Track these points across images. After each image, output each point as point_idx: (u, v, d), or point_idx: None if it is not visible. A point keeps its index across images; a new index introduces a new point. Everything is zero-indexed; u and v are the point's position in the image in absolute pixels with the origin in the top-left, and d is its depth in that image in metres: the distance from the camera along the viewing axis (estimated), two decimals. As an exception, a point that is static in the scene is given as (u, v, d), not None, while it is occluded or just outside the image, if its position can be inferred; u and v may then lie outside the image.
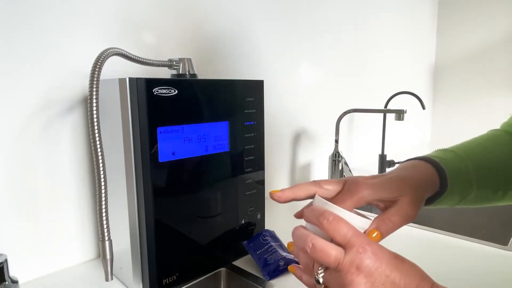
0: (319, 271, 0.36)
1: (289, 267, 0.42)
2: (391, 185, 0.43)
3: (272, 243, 0.67)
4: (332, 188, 0.44)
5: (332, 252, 0.35)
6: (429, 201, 0.48)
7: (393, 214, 0.43)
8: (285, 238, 0.80)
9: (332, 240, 0.36)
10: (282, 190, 0.45)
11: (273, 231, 0.71)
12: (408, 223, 0.45)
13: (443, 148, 0.52)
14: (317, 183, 0.45)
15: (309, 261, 0.38)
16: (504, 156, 0.52)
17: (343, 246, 0.36)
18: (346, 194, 0.42)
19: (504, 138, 0.54)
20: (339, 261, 0.35)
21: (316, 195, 0.42)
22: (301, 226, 0.39)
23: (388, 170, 1.38)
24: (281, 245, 0.67)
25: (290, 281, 0.62)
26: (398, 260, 0.37)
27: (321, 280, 0.36)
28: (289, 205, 1.10)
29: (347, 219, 0.37)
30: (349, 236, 0.36)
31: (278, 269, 0.63)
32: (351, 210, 0.41)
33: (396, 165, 1.40)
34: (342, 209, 0.38)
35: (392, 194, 0.43)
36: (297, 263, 0.41)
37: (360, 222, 0.39)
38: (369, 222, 0.40)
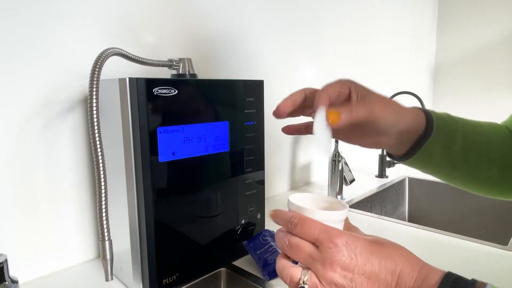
0: (303, 283, 0.36)
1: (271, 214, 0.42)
2: (366, 90, 0.44)
3: (272, 243, 0.67)
4: (334, 92, 0.43)
5: (305, 248, 0.36)
6: (412, 150, 0.48)
7: (359, 105, 0.42)
8: (285, 238, 0.80)
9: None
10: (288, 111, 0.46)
11: (273, 231, 0.71)
12: (369, 119, 0.43)
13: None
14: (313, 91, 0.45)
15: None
16: (493, 135, 0.51)
17: (315, 244, 0.36)
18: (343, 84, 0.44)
19: (502, 127, 0.54)
20: (313, 257, 0.35)
21: (289, 199, 0.41)
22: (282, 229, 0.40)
23: (388, 170, 1.39)
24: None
25: (290, 281, 0.62)
26: (375, 245, 0.36)
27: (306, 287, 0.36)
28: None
29: (316, 217, 0.37)
30: (316, 234, 0.36)
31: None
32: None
33: (396, 165, 1.40)
34: (310, 209, 0.38)
35: (362, 93, 0.44)
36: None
37: (330, 215, 0.38)
38: (339, 213, 0.39)
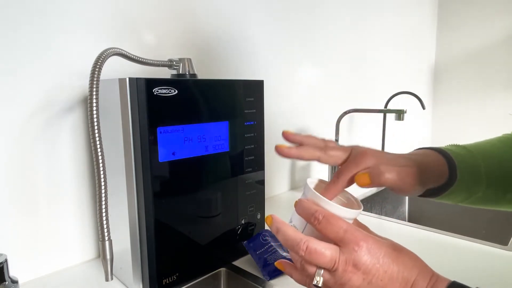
0: (318, 278, 0.35)
1: (277, 263, 0.41)
2: (397, 160, 0.42)
3: (272, 243, 0.67)
4: (337, 155, 0.43)
5: (327, 252, 0.34)
6: (436, 192, 0.47)
7: (388, 170, 0.40)
8: (285, 238, 0.80)
9: (324, 238, 0.35)
10: (289, 148, 0.45)
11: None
12: (398, 191, 0.43)
13: (455, 144, 0.51)
14: (323, 148, 0.44)
15: (301, 260, 0.36)
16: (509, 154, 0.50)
17: (337, 244, 0.35)
18: (351, 163, 0.41)
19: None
20: (335, 260, 0.34)
21: (307, 184, 0.40)
22: (287, 225, 0.38)
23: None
24: (281, 245, 0.67)
25: (290, 281, 0.62)
26: (396, 252, 0.36)
27: (321, 285, 0.35)
28: (289, 205, 1.10)
29: (337, 213, 0.37)
30: (341, 233, 0.35)
31: (278, 269, 0.63)
32: (353, 182, 0.40)
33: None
34: (331, 202, 0.37)
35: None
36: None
37: (350, 213, 0.38)
38: (355, 212, 0.39)
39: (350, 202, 0.43)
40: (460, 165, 0.46)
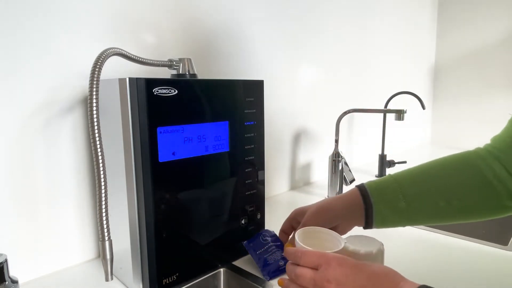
0: None
1: (279, 282, 0.50)
2: (319, 216, 0.59)
3: (272, 243, 0.67)
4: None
5: (307, 274, 0.45)
6: (368, 220, 0.58)
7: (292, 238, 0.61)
8: (285, 238, 0.80)
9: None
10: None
11: (273, 231, 0.71)
12: (317, 226, 0.57)
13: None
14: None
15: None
16: (436, 170, 0.58)
17: (316, 268, 0.45)
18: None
19: (463, 161, 0.58)
20: (313, 279, 0.44)
21: (296, 239, 0.53)
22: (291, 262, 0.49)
23: (388, 170, 1.39)
24: (281, 245, 0.67)
25: (290, 281, 0.62)
26: (363, 265, 0.43)
27: None
28: (289, 205, 1.10)
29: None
30: (315, 260, 0.45)
31: (278, 269, 0.63)
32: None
33: (396, 165, 1.40)
34: (308, 248, 0.50)
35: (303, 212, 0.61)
36: None
37: (363, 249, 0.52)
38: (336, 252, 0.50)
39: (333, 241, 0.55)
40: (373, 193, 0.57)
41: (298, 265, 0.47)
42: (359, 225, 0.60)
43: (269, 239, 0.68)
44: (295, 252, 0.48)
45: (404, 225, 0.60)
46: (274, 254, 0.65)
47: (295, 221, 0.64)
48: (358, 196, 0.58)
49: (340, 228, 0.60)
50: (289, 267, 0.48)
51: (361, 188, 0.59)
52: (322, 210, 0.59)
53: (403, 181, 0.58)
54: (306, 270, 0.45)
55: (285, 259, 0.64)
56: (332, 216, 0.59)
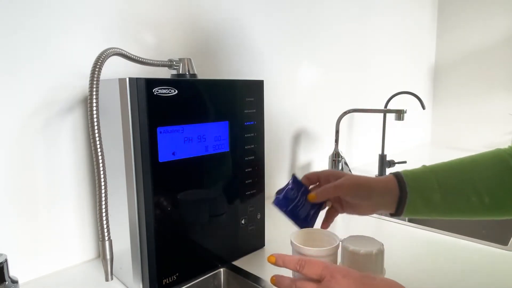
0: None
1: (271, 280, 0.48)
2: (340, 173, 0.60)
3: (300, 195, 0.63)
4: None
5: (309, 287, 0.43)
6: (398, 207, 0.57)
7: (328, 184, 0.58)
8: (285, 238, 0.80)
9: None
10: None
11: (298, 179, 0.64)
12: (344, 196, 0.58)
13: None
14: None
15: None
16: (472, 165, 0.57)
17: (319, 280, 0.44)
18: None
19: (490, 153, 0.57)
20: None
21: (291, 240, 0.55)
22: (282, 276, 0.47)
23: (388, 170, 1.39)
24: (305, 191, 0.63)
25: (290, 281, 0.62)
26: (367, 277, 0.43)
27: None
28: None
29: (315, 254, 0.51)
30: (319, 271, 0.44)
31: (310, 217, 0.62)
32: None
33: (396, 165, 1.40)
34: (310, 248, 0.52)
35: (337, 175, 0.59)
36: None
37: (324, 252, 0.52)
38: (330, 249, 0.52)
39: (329, 238, 0.56)
40: (410, 183, 0.56)
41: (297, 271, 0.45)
42: (388, 211, 0.58)
43: (296, 193, 0.63)
44: (298, 260, 0.46)
45: (432, 217, 0.58)
46: (304, 207, 0.62)
47: (324, 178, 0.61)
48: (394, 182, 0.56)
49: (367, 207, 0.59)
50: (286, 280, 0.46)
51: (397, 175, 0.57)
52: (360, 181, 0.57)
53: (439, 172, 0.56)
54: (308, 283, 0.44)
55: (314, 208, 0.62)
56: (368, 192, 0.57)
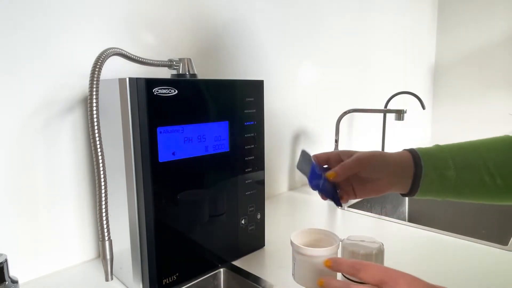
0: None
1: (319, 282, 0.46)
2: (352, 151, 0.56)
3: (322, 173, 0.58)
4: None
5: None
6: (413, 184, 0.55)
7: (347, 160, 0.54)
8: (285, 238, 0.80)
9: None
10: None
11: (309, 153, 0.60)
12: (363, 170, 0.54)
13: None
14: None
15: None
16: (486, 147, 0.55)
17: (377, 285, 0.40)
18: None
19: (503, 140, 0.56)
20: None
21: (291, 240, 0.53)
22: (332, 278, 0.45)
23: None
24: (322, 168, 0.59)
25: (290, 281, 0.62)
26: (431, 287, 0.40)
27: None
28: (289, 205, 1.10)
29: (315, 254, 0.50)
30: (379, 276, 0.40)
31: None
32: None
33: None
34: (310, 248, 0.51)
35: (350, 153, 0.56)
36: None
37: (324, 252, 0.51)
38: (330, 248, 0.51)
39: (327, 238, 0.55)
40: (425, 158, 0.54)
41: (343, 276, 0.43)
42: (402, 189, 0.56)
43: (319, 170, 0.59)
44: (352, 264, 0.43)
45: (446, 198, 0.56)
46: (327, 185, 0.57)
47: (334, 157, 0.57)
48: (409, 157, 0.54)
49: (381, 184, 0.55)
50: (336, 284, 0.43)
51: (411, 151, 0.55)
52: (375, 153, 0.55)
53: (453, 150, 0.55)
54: (364, 287, 0.40)
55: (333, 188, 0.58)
56: (384, 165, 0.54)
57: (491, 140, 0.56)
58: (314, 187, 0.55)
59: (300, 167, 0.58)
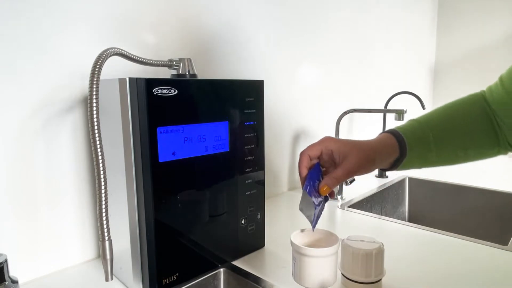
0: None
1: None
2: (345, 147, 0.56)
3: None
4: (315, 153, 0.58)
5: None
6: (394, 165, 0.59)
7: (337, 171, 0.54)
8: (285, 238, 0.80)
9: None
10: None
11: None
12: (352, 176, 0.55)
13: (411, 119, 0.62)
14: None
15: None
16: (462, 120, 0.61)
17: None
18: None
19: (473, 102, 0.62)
20: None
21: (291, 240, 0.55)
22: None
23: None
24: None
25: (290, 280, 0.62)
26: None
27: None
28: (289, 205, 1.10)
29: (315, 254, 0.52)
30: None
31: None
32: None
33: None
34: (310, 248, 0.53)
35: (342, 153, 0.56)
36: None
37: (324, 252, 0.52)
38: (330, 248, 0.52)
39: (327, 238, 0.56)
40: (409, 142, 0.57)
41: None
42: (382, 168, 0.59)
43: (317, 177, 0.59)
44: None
45: (418, 168, 0.61)
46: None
47: (327, 152, 0.57)
48: (395, 145, 0.57)
49: (365, 172, 0.56)
50: None
51: (397, 137, 0.58)
52: (362, 161, 0.55)
53: (434, 129, 0.59)
54: None
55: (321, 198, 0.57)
56: (372, 165, 0.56)
57: (465, 108, 0.62)
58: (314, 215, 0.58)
59: (301, 207, 0.58)
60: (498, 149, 0.61)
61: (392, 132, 0.59)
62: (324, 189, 0.54)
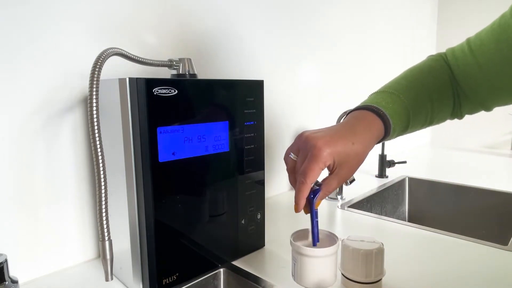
0: None
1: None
2: (341, 157, 0.52)
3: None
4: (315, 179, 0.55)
5: None
6: (386, 131, 0.59)
7: (332, 183, 0.53)
8: (285, 238, 0.80)
9: None
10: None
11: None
12: (345, 181, 0.55)
13: (388, 91, 0.65)
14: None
15: None
16: (429, 89, 0.63)
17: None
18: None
19: (439, 72, 0.65)
20: None
21: (291, 240, 0.54)
22: None
23: (388, 170, 1.39)
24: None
25: (289, 280, 0.62)
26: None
27: None
28: (289, 205, 1.10)
29: (315, 254, 0.52)
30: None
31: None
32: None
33: (396, 165, 1.40)
34: (310, 248, 0.52)
35: (338, 163, 0.52)
36: None
37: (324, 252, 0.52)
38: (330, 248, 0.52)
39: (327, 238, 0.56)
40: (394, 121, 0.57)
41: None
42: (374, 140, 0.56)
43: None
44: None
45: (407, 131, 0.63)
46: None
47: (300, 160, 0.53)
48: (382, 130, 0.56)
49: (362, 146, 0.54)
50: None
51: (385, 121, 0.56)
52: (352, 164, 0.53)
53: (410, 107, 0.60)
54: None
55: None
56: (360, 162, 0.53)
57: (431, 73, 0.64)
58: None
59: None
60: (453, 116, 0.68)
61: (380, 114, 0.57)
62: (319, 204, 0.53)
